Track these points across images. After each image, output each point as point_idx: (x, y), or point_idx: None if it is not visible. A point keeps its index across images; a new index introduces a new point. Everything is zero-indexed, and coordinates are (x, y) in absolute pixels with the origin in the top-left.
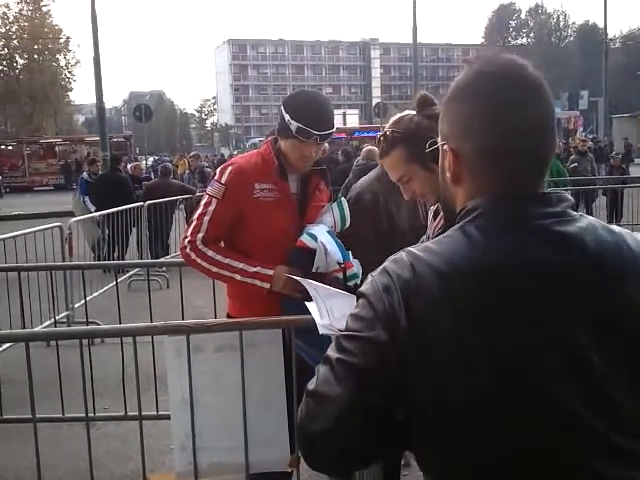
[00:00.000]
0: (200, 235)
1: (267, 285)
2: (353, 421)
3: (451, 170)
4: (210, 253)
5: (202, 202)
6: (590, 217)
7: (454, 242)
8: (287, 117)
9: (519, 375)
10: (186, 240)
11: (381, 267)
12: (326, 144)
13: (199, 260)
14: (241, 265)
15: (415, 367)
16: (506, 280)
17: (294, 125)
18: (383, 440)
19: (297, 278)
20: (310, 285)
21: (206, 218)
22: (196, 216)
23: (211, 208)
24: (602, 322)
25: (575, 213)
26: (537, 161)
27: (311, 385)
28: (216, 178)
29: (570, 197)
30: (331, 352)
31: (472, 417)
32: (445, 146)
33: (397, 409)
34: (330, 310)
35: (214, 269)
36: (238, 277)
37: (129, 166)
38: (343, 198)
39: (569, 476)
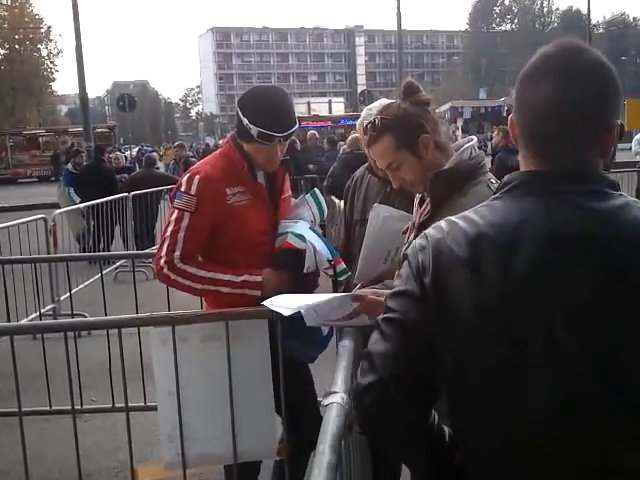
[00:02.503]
0: (177, 253)
1: (258, 292)
2: (397, 371)
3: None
4: (192, 270)
5: (172, 217)
6: (629, 197)
7: (487, 210)
8: (246, 121)
9: (540, 346)
10: (162, 260)
11: (422, 232)
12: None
13: (180, 279)
14: (227, 277)
15: (437, 324)
16: (531, 247)
17: (255, 130)
18: (423, 396)
19: (288, 296)
20: (299, 302)
21: (180, 234)
22: (169, 233)
23: (184, 223)
24: (628, 302)
25: (614, 192)
26: (575, 136)
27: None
28: (183, 189)
29: (611, 177)
30: (380, 316)
31: (487, 387)
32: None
33: (434, 368)
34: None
35: (198, 286)
36: (225, 290)
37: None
38: (317, 189)
39: (591, 462)
